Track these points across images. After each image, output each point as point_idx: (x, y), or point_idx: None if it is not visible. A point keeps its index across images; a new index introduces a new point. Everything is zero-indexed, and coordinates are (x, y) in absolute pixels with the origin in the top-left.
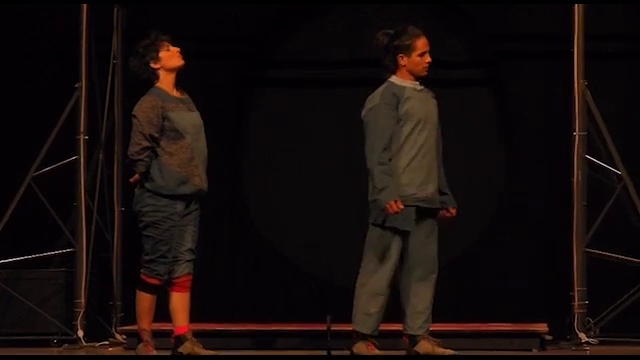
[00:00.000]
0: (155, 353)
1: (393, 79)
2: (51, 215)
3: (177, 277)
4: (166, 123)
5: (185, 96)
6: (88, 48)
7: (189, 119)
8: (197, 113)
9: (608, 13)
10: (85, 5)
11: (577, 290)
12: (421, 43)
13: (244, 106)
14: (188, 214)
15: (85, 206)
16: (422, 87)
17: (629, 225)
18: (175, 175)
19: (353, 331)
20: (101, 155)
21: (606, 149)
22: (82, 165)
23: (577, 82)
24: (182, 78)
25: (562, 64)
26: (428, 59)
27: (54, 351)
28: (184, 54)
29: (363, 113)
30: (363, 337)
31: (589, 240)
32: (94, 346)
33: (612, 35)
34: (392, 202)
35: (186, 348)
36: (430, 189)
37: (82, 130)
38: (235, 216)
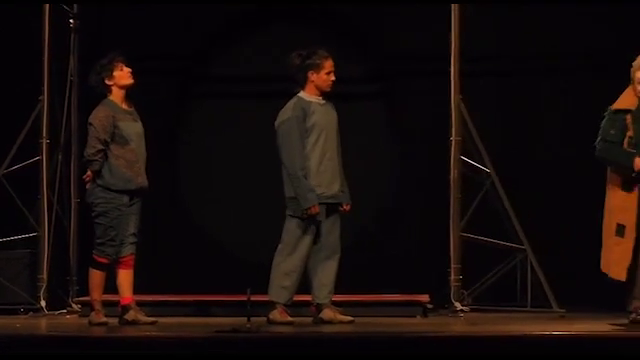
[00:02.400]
0: (105, 320)
1: (302, 94)
2: (18, 206)
3: (123, 257)
4: (116, 130)
5: (132, 108)
6: (50, 67)
7: (134, 128)
8: (140, 123)
9: (480, 38)
10: (47, 32)
11: (453, 267)
12: (328, 63)
13: (181, 115)
14: (132, 205)
15: (47, 198)
16: (324, 101)
17: (496, 214)
18: (122, 174)
19: (270, 301)
20: (60, 156)
21: (477, 151)
22: (44, 164)
23: (454, 96)
24: (131, 91)
25: (442, 81)
26: (333, 77)
27: (21, 318)
28: (133, 71)
29: (276, 124)
30: (279, 305)
31: (463, 226)
32: (54, 314)
33: (484, 56)
34: (316, 205)
35: (130, 315)
36: (335, 188)
37: (44, 135)
38: (173, 206)
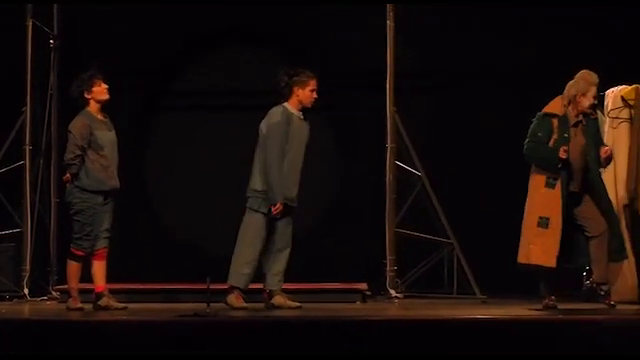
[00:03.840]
0: (81, 305)
1: (287, 105)
2: (4, 204)
3: (97, 249)
4: (92, 138)
5: (107, 119)
6: (32, 82)
7: (108, 136)
8: (114, 132)
9: (412, 57)
10: (30, 51)
11: (389, 259)
12: (313, 82)
13: (149, 126)
14: (106, 204)
15: (30, 198)
16: (302, 118)
17: (427, 212)
18: (97, 177)
19: (229, 286)
20: (41, 161)
21: (410, 157)
22: (27, 168)
23: (389, 108)
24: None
25: (379, 94)
26: (315, 95)
27: (6, 304)
28: (109, 87)
29: (266, 124)
30: (236, 290)
31: (397, 222)
32: (36, 300)
33: (416, 73)
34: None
35: (104, 302)
36: (294, 192)
37: (27, 142)
38: (143, 206)
